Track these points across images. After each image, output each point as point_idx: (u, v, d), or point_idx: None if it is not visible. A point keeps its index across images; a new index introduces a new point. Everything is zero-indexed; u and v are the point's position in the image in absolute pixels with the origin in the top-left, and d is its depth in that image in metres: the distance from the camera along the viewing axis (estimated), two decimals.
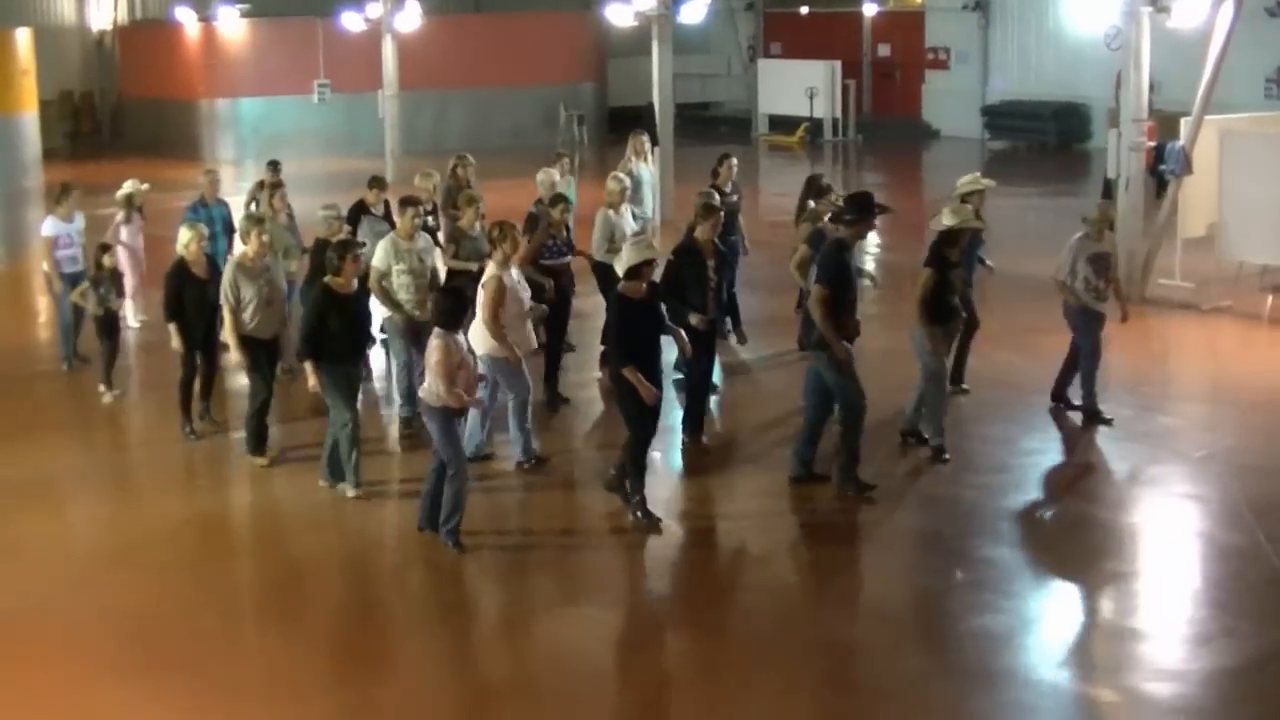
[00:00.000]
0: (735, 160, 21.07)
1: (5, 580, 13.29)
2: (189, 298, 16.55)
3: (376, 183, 20.79)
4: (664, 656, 11.95)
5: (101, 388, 18.60)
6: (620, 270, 14.05)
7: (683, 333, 14.77)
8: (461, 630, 12.42)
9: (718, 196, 18.15)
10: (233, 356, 15.93)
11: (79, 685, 11.35)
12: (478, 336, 15.04)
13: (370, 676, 11.35)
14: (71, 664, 11.67)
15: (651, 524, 14.08)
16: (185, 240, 16.75)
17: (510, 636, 12.35)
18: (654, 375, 13.92)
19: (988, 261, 18.24)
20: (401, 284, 16.26)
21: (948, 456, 15.70)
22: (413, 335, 16.16)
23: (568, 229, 18.15)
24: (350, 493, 14.91)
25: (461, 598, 13.15)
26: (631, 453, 14.20)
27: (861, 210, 14.90)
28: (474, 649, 12.14)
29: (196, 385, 17.11)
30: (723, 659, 11.65)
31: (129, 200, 21.55)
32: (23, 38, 42.95)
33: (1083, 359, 16.91)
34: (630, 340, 13.88)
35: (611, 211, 18.83)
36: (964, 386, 17.80)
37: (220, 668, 11.56)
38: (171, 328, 16.64)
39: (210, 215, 20.61)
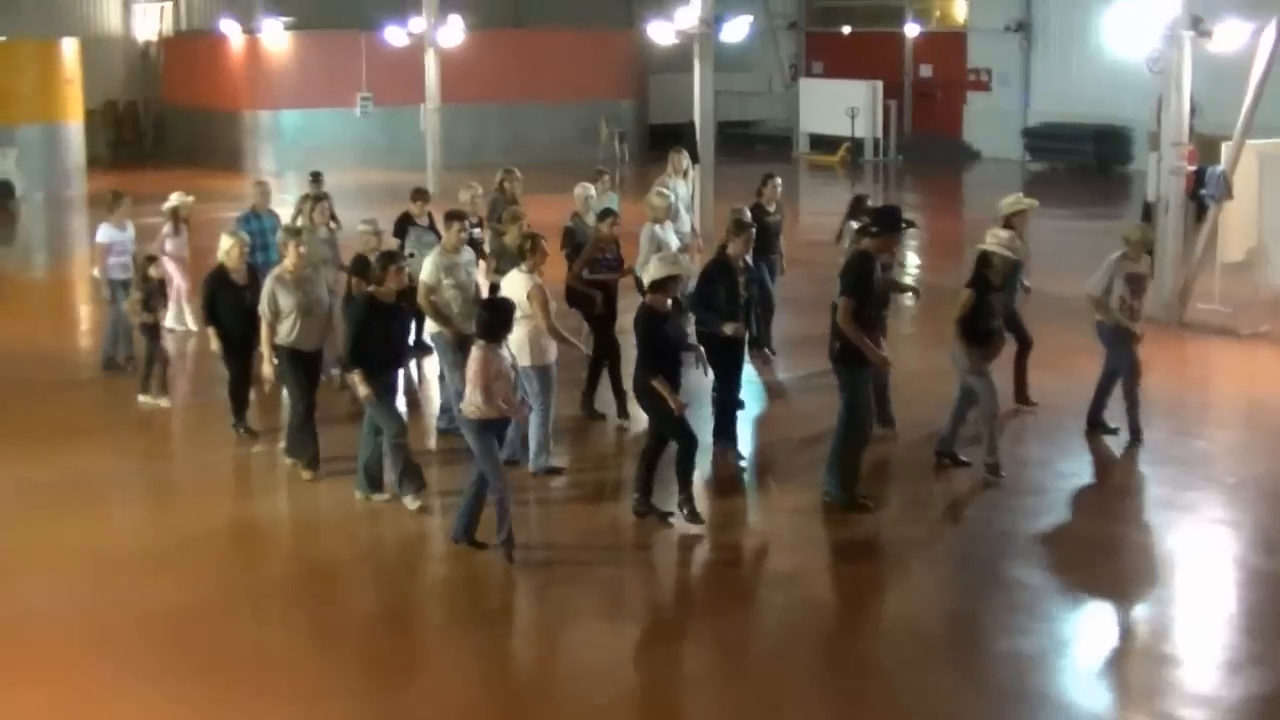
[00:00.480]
0: (779, 180, 21.16)
1: (40, 583, 13.38)
2: (224, 303, 16.80)
3: (420, 194, 20.92)
4: (691, 671, 11.94)
5: (142, 397, 18.74)
6: (646, 283, 14.22)
7: (701, 349, 15.11)
8: (489, 641, 12.42)
9: (748, 213, 18.17)
10: (265, 368, 16.00)
11: (110, 688, 11.42)
12: (519, 347, 15.15)
13: (398, 684, 11.40)
14: (103, 667, 11.74)
15: (662, 519, 14.50)
16: (226, 247, 17.07)
17: (537, 647, 12.41)
18: (677, 387, 14.22)
19: (1025, 283, 18.25)
20: (450, 298, 16.26)
21: (1003, 474, 15.70)
22: (461, 349, 16.13)
23: (616, 244, 18.16)
24: (412, 504, 14.90)
25: (491, 608, 13.16)
26: (646, 454, 14.66)
27: (887, 224, 14.97)
28: (501, 660, 12.14)
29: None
30: (751, 675, 11.65)
31: (175, 213, 21.70)
32: (69, 48, 43.25)
33: (1123, 377, 16.90)
34: (655, 352, 14.12)
35: (657, 227, 18.89)
36: (1031, 402, 18.00)
37: (251, 673, 11.62)
38: (210, 331, 16.96)
39: (261, 226, 20.63)
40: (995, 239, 15.64)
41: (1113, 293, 16.68)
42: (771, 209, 20.70)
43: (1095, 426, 17.24)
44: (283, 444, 16.45)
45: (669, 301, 14.29)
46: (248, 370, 17.31)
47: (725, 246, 16.34)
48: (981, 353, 15.57)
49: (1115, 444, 17.02)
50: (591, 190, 20.54)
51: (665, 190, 19.98)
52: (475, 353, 13.41)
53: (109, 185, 21.58)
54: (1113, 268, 16.76)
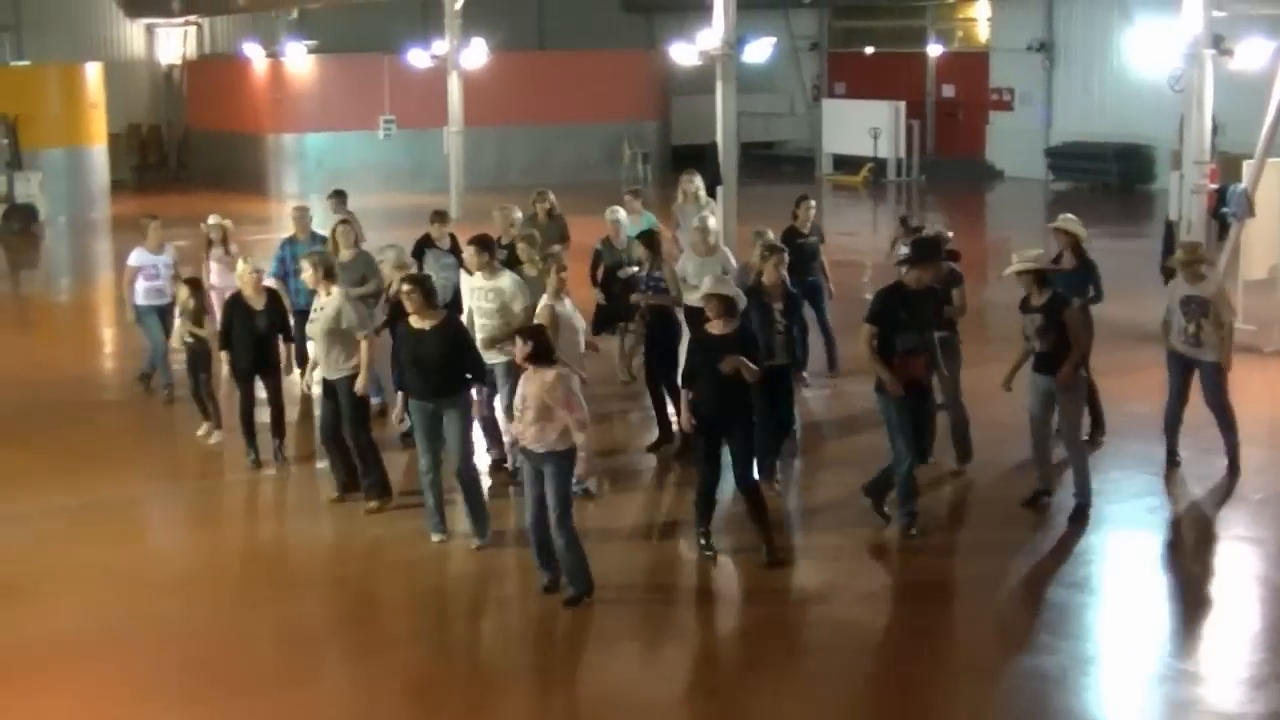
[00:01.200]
0: (813, 201, 21.19)
1: (70, 607, 13.44)
2: (237, 328, 16.87)
3: (440, 216, 20.77)
4: (721, 690, 11.97)
5: (203, 429, 18.48)
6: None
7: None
8: (527, 671, 12.46)
9: (770, 234, 18.15)
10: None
11: (138, 711, 11.49)
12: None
13: (429, 711, 11.44)
14: (131, 689, 11.81)
15: (707, 556, 14.26)
16: (238, 273, 17.34)
17: (576, 677, 12.43)
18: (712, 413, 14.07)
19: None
20: (471, 324, 15.99)
21: (1046, 500, 15.67)
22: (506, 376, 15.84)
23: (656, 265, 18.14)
24: (474, 544, 14.67)
25: (530, 636, 13.17)
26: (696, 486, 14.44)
27: (923, 254, 14.94)
28: (538, 689, 12.15)
29: (267, 419, 17.28)
30: (779, 693, 11.69)
31: (220, 236, 21.30)
32: (93, 72, 43.44)
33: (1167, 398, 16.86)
34: (689, 370, 14.21)
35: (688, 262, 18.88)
36: (1100, 439, 17.76)
37: (278, 698, 11.67)
38: (223, 356, 17.20)
39: (295, 252, 19.69)
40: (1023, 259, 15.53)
41: (1171, 319, 16.58)
42: (806, 230, 20.70)
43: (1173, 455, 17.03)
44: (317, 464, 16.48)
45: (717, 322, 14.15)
46: (275, 402, 17.37)
47: (760, 273, 16.25)
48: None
49: (1140, 462, 17.01)
50: (622, 214, 20.49)
51: (704, 218, 19.81)
52: (550, 375, 13.08)
53: (133, 209, 21.72)
54: (1169, 292, 16.74)
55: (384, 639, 12.88)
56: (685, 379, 14.32)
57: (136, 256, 20.26)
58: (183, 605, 13.46)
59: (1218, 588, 13.94)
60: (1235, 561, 14.53)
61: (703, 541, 14.33)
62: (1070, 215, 17.93)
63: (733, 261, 19.04)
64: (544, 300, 15.44)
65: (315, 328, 15.73)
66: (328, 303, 15.72)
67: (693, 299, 17.26)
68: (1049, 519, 15.28)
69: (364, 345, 15.63)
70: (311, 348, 16.16)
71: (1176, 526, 15.56)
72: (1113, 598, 13.65)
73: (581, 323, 15.81)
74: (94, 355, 24.77)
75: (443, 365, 14.33)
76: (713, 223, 19.69)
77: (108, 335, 25.32)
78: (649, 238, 18.37)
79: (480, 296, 16.14)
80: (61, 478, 17.07)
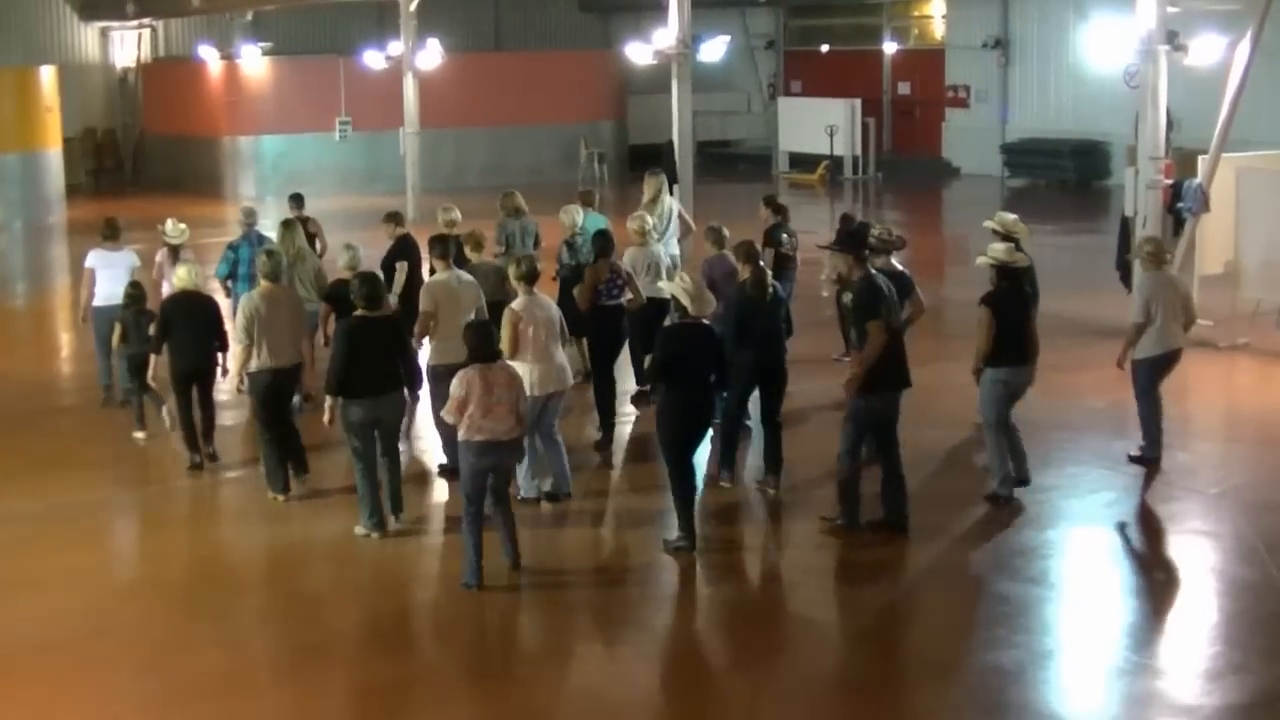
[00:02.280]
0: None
1: (28, 613, 13.36)
2: (178, 330, 16.89)
3: (393, 218, 20.72)
4: (681, 691, 11.97)
5: (138, 434, 18.55)
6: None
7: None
8: (488, 669, 12.45)
9: (724, 230, 18.21)
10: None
11: (97, 716, 11.44)
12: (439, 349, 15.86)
13: (387, 712, 11.42)
14: (94, 695, 11.76)
15: (675, 551, 14.34)
16: (179, 275, 17.41)
17: (535, 673, 12.39)
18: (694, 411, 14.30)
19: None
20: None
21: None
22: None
23: (613, 269, 18.08)
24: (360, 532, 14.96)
25: (489, 634, 13.18)
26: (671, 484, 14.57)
27: (842, 242, 15.26)
28: (498, 687, 12.13)
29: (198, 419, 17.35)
30: (735, 694, 11.71)
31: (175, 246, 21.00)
32: (47, 75, 43.22)
33: None
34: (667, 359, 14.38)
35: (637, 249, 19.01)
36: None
37: (240, 701, 11.63)
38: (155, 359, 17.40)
39: (241, 255, 20.13)
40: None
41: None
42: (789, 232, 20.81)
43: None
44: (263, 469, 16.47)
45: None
46: (206, 408, 17.50)
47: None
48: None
49: (1096, 457, 17.08)
50: (579, 215, 20.42)
51: (641, 214, 19.87)
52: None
53: (90, 213, 21.51)
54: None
55: (343, 641, 12.83)
56: (658, 371, 14.42)
57: (91, 258, 20.00)
58: (141, 610, 13.40)
59: (1175, 581, 14.00)
60: (1192, 555, 14.59)
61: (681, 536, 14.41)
62: (1007, 214, 17.88)
63: (664, 254, 19.50)
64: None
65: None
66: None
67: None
68: (1004, 513, 15.34)
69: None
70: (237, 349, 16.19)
71: (1134, 521, 15.62)
72: (1070, 592, 13.71)
73: (547, 312, 15.66)
74: (51, 361, 24.65)
75: (388, 359, 14.68)
76: (649, 220, 19.65)
77: (65, 340, 25.19)
78: (601, 238, 18.27)
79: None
80: (18, 483, 16.97)
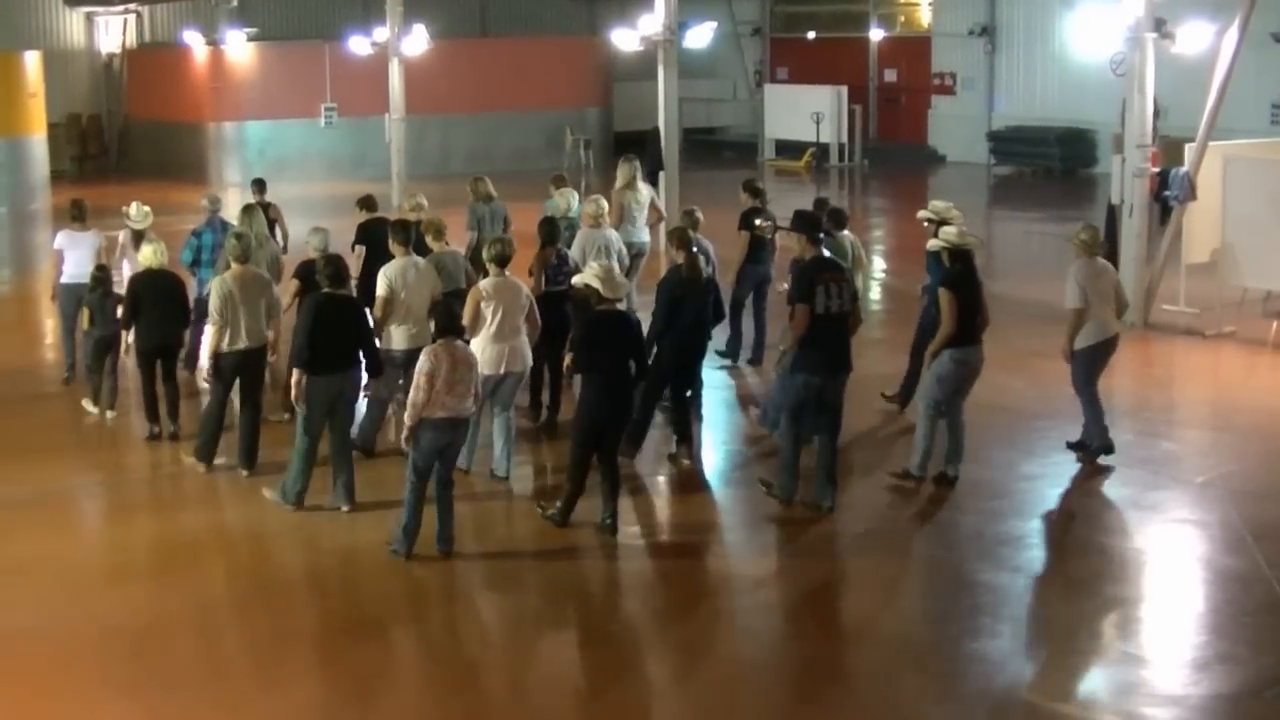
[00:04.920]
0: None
1: (7, 599, 13.30)
2: (146, 308, 17.18)
3: (365, 203, 20.92)
4: (654, 679, 11.95)
5: (87, 403, 18.82)
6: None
7: None
8: (454, 650, 12.43)
9: (698, 212, 18.85)
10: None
11: (79, 705, 11.38)
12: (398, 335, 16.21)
13: (363, 695, 11.37)
14: (73, 682, 11.68)
15: (558, 523, 14.55)
16: (144, 254, 17.71)
17: (499, 656, 12.35)
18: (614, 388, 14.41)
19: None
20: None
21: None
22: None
23: (559, 255, 18.08)
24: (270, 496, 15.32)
25: (453, 616, 13.18)
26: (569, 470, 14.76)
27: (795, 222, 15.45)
28: (465, 669, 12.09)
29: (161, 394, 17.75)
30: (715, 682, 11.67)
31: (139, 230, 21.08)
32: (31, 61, 42.96)
33: None
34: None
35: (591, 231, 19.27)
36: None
37: (219, 687, 11.58)
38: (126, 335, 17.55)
39: (205, 242, 20.20)
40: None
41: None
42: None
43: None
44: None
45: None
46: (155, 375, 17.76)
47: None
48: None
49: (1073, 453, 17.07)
50: (573, 199, 20.73)
51: (597, 198, 20.04)
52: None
53: (71, 198, 21.39)
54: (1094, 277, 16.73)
55: (325, 628, 12.79)
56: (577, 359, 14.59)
57: (59, 239, 20.40)
58: (123, 597, 13.33)
59: (1160, 570, 13.98)
60: (1179, 544, 14.56)
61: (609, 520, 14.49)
62: (938, 201, 17.88)
63: (617, 240, 19.73)
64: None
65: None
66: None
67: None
68: (987, 502, 15.31)
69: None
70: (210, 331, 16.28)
71: (1119, 510, 15.59)
72: (1055, 581, 13.67)
73: (515, 294, 15.77)
74: (33, 346, 24.54)
75: (350, 338, 14.97)
76: (604, 204, 19.82)
77: (48, 326, 25.07)
78: (547, 225, 18.36)
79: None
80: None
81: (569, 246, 18.71)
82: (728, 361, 20.65)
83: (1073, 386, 16.56)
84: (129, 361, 18.11)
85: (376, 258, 18.58)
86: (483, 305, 15.41)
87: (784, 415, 15.18)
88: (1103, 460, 16.42)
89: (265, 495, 15.36)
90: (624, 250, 19.70)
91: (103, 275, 18.73)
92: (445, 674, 11.97)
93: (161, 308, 17.21)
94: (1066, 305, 16.31)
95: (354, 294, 15.49)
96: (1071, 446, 16.68)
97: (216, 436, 16.53)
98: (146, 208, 20.36)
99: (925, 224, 17.37)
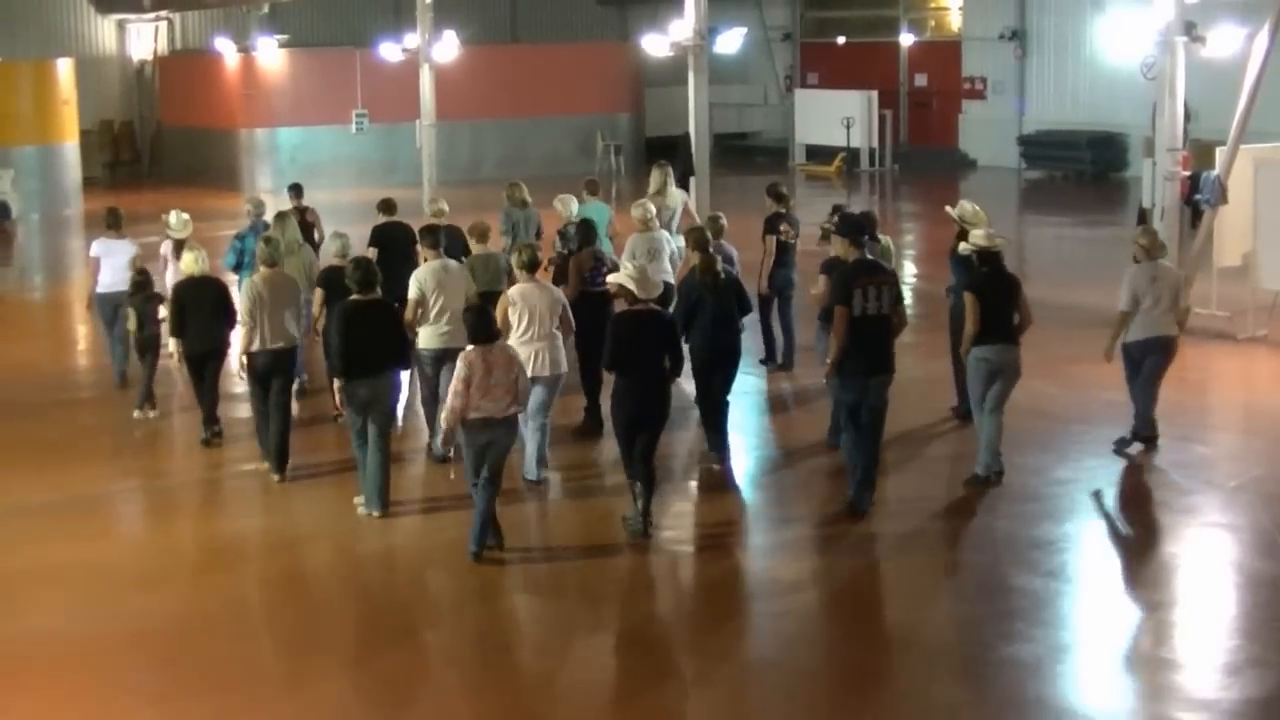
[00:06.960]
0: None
1: (38, 602, 13.38)
2: (191, 313, 17.32)
3: (386, 206, 21.27)
4: (689, 682, 11.95)
5: (136, 413, 18.91)
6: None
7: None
8: (491, 655, 12.42)
9: (722, 218, 19.33)
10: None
11: (109, 708, 11.44)
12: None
13: (397, 701, 11.40)
14: (102, 686, 11.75)
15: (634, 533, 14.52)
16: (185, 262, 17.78)
17: (536, 661, 12.38)
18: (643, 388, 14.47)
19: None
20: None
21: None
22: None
23: (597, 256, 18.16)
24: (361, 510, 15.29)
25: (490, 620, 13.15)
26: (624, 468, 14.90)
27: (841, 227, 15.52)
28: (502, 674, 12.09)
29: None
30: (749, 685, 11.69)
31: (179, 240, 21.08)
32: (64, 68, 43.29)
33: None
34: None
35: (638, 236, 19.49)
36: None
37: (249, 692, 11.62)
38: (173, 342, 17.71)
39: (248, 245, 20.13)
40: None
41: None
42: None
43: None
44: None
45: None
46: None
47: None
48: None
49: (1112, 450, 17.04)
50: (573, 205, 21.05)
51: (644, 202, 20.34)
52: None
53: (106, 206, 21.53)
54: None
55: (362, 635, 12.83)
56: (611, 358, 14.69)
57: (95, 247, 20.51)
58: (158, 602, 13.38)
59: (1193, 574, 13.95)
60: (1210, 548, 14.53)
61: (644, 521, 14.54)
62: (966, 204, 17.95)
63: (672, 244, 20.02)
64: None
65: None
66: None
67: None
68: (1021, 506, 15.30)
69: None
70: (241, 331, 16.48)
71: (1152, 514, 15.57)
72: (1088, 585, 13.66)
73: (546, 298, 15.89)
74: (67, 352, 24.68)
75: (383, 341, 15.03)
76: (651, 208, 20.17)
77: (81, 332, 25.20)
78: (584, 227, 18.54)
79: None
80: (34, 475, 16.98)
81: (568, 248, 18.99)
82: (769, 366, 20.70)
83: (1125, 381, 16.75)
84: (171, 365, 18.25)
85: (389, 260, 18.65)
86: (510, 311, 15.56)
87: (842, 423, 15.23)
88: (1135, 456, 16.46)
89: (358, 511, 15.30)
90: (676, 251, 19.94)
91: (143, 279, 19.02)
92: (483, 678, 11.99)
93: (205, 314, 17.29)
94: (1118, 308, 16.42)
95: (381, 296, 15.45)
96: (1120, 442, 16.75)
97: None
98: (185, 216, 20.51)
99: (953, 222, 17.51)
